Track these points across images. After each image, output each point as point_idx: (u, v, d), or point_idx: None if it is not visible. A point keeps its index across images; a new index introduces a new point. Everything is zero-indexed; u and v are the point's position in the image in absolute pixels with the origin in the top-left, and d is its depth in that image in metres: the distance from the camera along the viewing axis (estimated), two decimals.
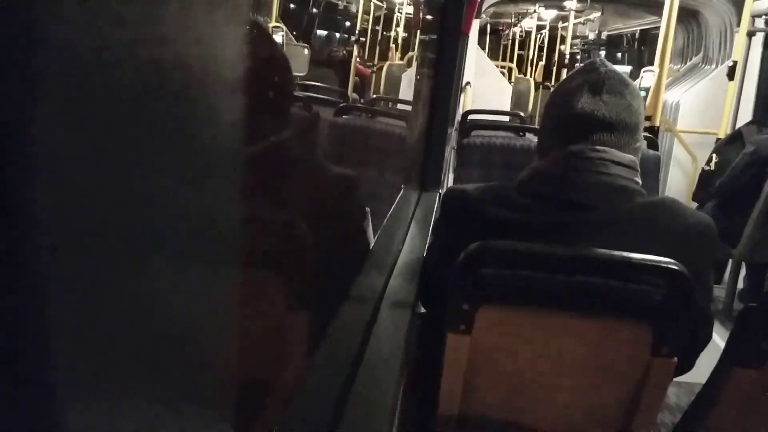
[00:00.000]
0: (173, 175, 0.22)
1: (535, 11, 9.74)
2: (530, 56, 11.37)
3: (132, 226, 0.20)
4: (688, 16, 5.25)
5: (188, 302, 0.24)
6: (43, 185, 0.16)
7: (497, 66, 7.64)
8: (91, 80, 0.17)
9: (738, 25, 3.72)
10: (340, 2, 8.03)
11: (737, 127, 3.53)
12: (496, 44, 14.33)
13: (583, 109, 1.00)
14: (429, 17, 1.90)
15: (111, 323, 0.19)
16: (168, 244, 0.22)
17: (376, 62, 7.89)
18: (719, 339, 1.02)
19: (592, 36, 10.88)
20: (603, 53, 9.82)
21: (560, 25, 9.53)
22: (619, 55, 9.06)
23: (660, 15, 3.87)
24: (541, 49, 11.12)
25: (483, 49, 8.68)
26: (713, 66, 4.91)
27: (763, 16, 3.85)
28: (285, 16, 5.99)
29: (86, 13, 0.16)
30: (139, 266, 0.20)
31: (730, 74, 3.52)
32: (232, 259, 0.28)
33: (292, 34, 5.65)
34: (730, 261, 2.73)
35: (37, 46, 0.15)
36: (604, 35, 10.10)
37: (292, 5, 6.94)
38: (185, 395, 0.24)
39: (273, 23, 4.79)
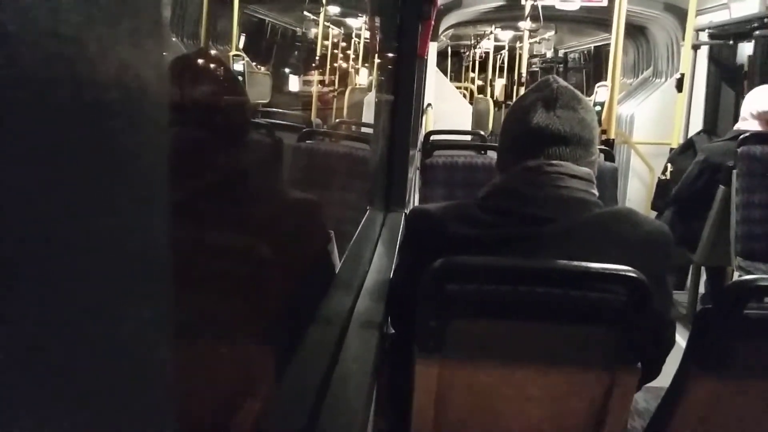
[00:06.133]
0: (119, 201, 0.22)
1: (491, 32, 9.98)
2: (489, 77, 11.62)
3: (68, 255, 0.20)
4: (636, 32, 5.45)
5: (137, 335, 0.23)
6: None
7: (458, 87, 7.79)
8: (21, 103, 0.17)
9: (683, 39, 3.88)
10: (297, 29, 8.10)
11: (689, 136, 3.66)
12: (458, 66, 14.60)
13: (537, 124, 1.03)
14: (386, 41, 1.94)
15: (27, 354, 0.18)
16: (118, 273, 0.22)
17: (336, 86, 7.96)
18: (684, 343, 1.05)
19: (549, 54, 11.18)
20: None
21: (518, 45, 9.78)
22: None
23: (610, 32, 4.01)
24: (501, 69, 11.37)
25: (445, 72, 8.84)
26: (663, 79, 5.10)
27: (706, 30, 4.03)
28: (245, 45, 6.01)
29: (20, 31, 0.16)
30: (77, 294, 0.20)
31: (679, 86, 3.66)
32: (189, 286, 0.27)
33: (254, 62, 5.67)
34: (691, 266, 2.81)
35: None
36: (561, 53, 10.39)
37: (251, 34, 6.97)
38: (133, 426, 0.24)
39: (234, 52, 4.81)
